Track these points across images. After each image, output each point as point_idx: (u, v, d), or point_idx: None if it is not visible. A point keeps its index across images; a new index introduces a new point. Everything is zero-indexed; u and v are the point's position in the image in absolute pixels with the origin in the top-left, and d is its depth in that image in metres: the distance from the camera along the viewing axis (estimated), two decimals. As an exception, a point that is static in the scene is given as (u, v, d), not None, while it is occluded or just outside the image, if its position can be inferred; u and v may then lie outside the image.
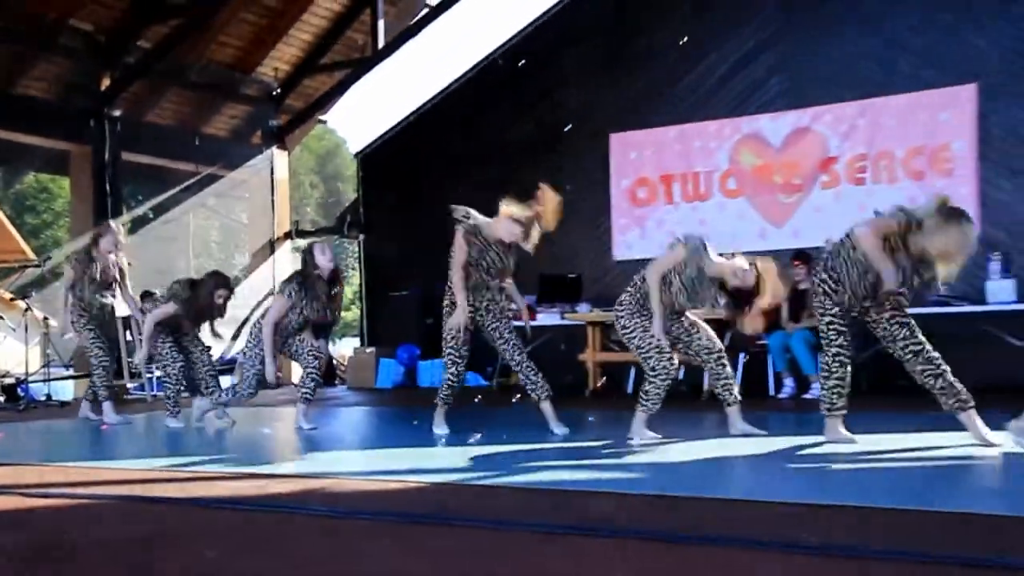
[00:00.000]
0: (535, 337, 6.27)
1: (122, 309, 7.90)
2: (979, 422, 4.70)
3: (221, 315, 7.26)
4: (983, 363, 4.94)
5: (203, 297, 7.08)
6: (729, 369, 5.51)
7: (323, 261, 6.67)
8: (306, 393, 6.63)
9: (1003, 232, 8.52)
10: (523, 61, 11.07)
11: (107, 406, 7.35)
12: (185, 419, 7.12)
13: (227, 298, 7.21)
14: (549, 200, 5.57)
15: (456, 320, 5.75)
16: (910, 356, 4.75)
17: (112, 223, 7.69)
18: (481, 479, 4.15)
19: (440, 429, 5.93)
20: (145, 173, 13.07)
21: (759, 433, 5.39)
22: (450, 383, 5.92)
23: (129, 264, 7.64)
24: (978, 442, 4.65)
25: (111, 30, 11.19)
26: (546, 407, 5.84)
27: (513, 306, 6.06)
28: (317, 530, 3.20)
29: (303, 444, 5.93)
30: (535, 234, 5.66)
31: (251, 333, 6.86)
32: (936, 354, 4.75)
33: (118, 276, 7.45)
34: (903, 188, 9.20)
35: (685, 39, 10.06)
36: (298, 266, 7.04)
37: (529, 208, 5.57)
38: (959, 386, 4.71)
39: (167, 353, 7.15)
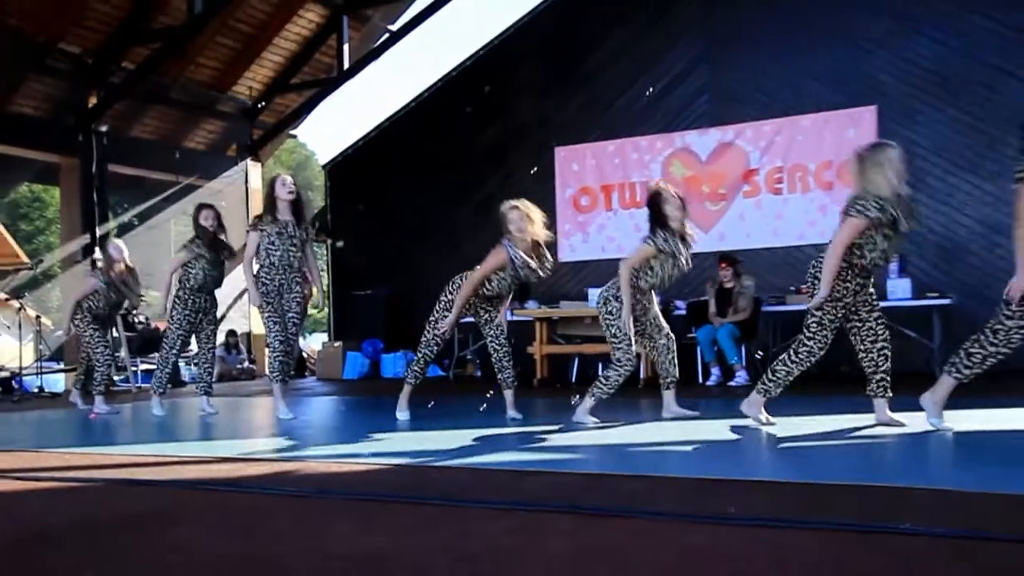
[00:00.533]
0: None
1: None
2: (887, 408, 4.77)
3: (223, 230, 6.80)
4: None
5: (202, 232, 6.63)
6: (674, 347, 5.52)
7: (283, 192, 6.17)
8: (281, 376, 6.41)
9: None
10: (488, 88, 11.09)
11: (99, 399, 7.23)
12: (167, 407, 7.02)
13: (216, 216, 6.72)
14: (531, 209, 5.44)
15: (444, 326, 5.72)
16: (881, 328, 4.75)
17: (115, 242, 7.50)
18: (440, 460, 4.13)
19: (402, 414, 5.91)
20: (129, 183, 12.87)
21: (691, 415, 5.44)
22: (426, 358, 5.88)
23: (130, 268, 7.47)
24: (883, 423, 4.74)
25: (97, 52, 11.01)
26: (508, 394, 5.82)
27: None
28: (287, 509, 3.16)
29: (277, 430, 5.86)
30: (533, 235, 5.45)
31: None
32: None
33: (127, 279, 7.36)
34: (815, 198, 9.37)
35: (651, 90, 10.15)
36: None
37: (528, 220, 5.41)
38: (890, 377, 4.78)
39: (175, 339, 6.81)
